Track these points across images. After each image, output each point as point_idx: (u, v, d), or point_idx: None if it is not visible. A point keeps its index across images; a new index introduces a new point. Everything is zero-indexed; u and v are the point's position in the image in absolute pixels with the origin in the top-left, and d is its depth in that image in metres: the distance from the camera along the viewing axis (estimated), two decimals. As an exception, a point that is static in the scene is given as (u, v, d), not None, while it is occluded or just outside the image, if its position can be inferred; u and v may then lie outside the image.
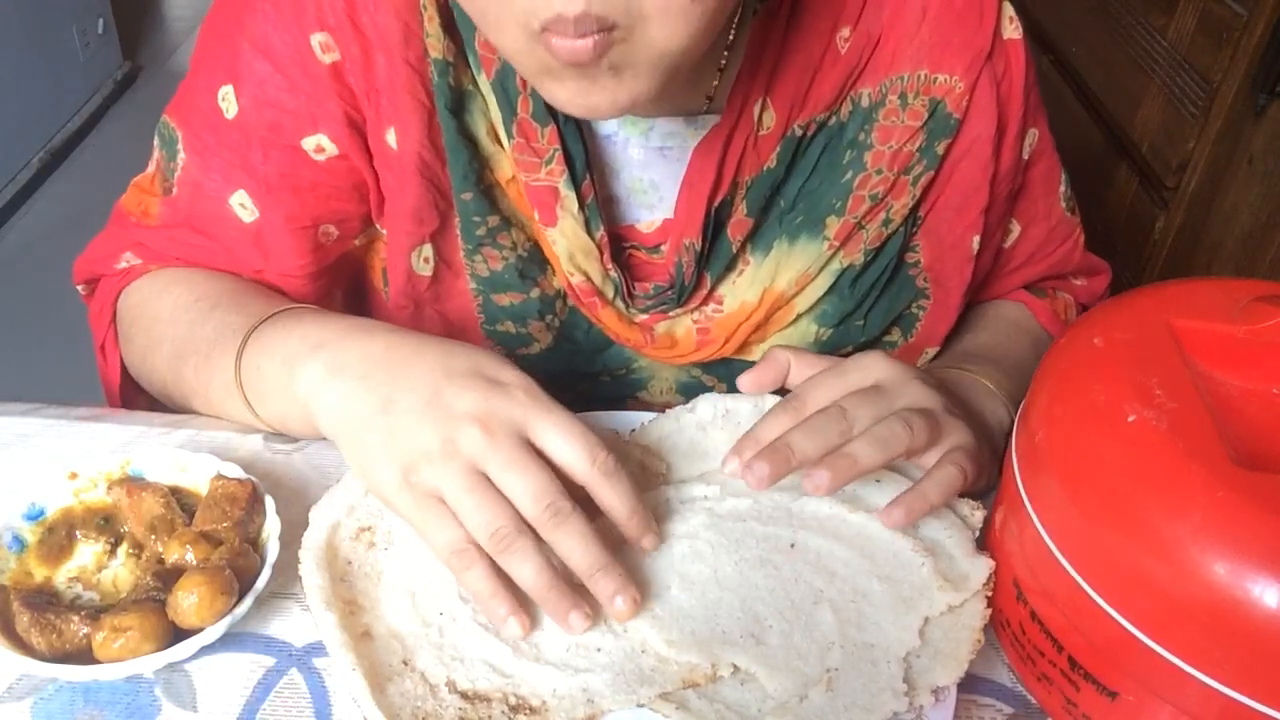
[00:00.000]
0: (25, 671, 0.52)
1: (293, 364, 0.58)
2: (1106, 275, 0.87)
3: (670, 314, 0.72)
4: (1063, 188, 0.81)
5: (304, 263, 0.70)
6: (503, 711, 0.49)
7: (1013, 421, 0.57)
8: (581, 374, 0.75)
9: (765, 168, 0.69)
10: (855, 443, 0.56)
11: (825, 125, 0.70)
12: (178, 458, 0.61)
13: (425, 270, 0.70)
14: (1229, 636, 0.43)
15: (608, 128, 0.70)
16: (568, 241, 0.68)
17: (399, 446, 0.52)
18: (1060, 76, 1.67)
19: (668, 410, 0.66)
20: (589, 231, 0.68)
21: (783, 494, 0.60)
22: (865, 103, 0.69)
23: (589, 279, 0.69)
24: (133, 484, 0.58)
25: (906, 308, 0.76)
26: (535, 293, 0.71)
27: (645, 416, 0.66)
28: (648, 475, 0.62)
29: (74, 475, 0.59)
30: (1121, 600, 0.47)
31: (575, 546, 0.51)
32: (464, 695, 0.50)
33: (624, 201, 0.72)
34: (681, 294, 0.71)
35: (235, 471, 0.59)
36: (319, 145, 0.67)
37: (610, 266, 0.69)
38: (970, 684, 0.53)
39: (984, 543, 0.59)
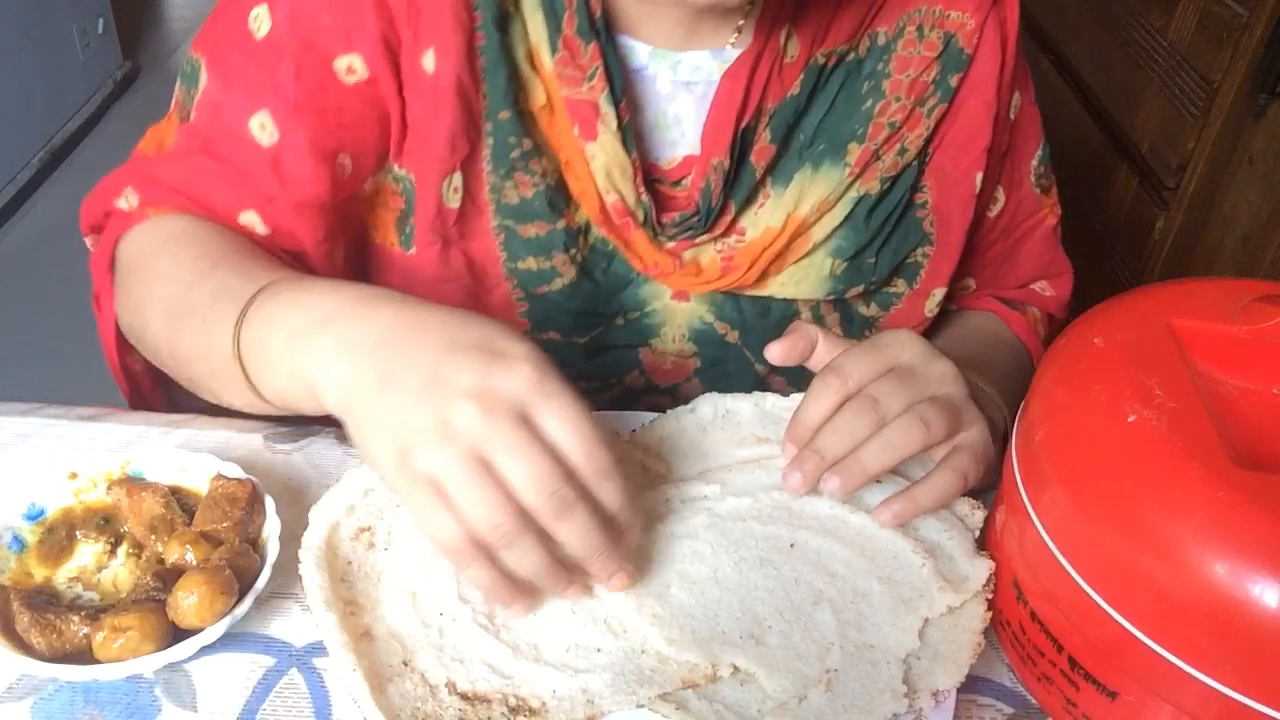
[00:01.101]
0: (25, 671, 0.52)
1: (297, 339, 0.55)
2: (1069, 279, 0.89)
3: (696, 241, 0.73)
4: (1034, 161, 0.83)
5: (320, 190, 0.69)
6: (502, 713, 0.49)
7: (1008, 426, 0.57)
8: (599, 314, 0.76)
9: (789, 95, 0.71)
10: (867, 447, 0.57)
11: (844, 60, 0.72)
12: (178, 458, 0.61)
13: (454, 201, 0.70)
14: (1229, 636, 0.43)
15: (639, 60, 0.71)
16: (606, 157, 0.69)
17: (396, 427, 0.50)
18: (1060, 76, 1.67)
19: (668, 411, 0.66)
20: (625, 150, 0.69)
21: (783, 494, 0.60)
22: (881, 40, 0.73)
23: (623, 200, 0.70)
24: (133, 484, 0.58)
25: (910, 254, 0.78)
26: (561, 224, 0.71)
27: (646, 417, 0.66)
28: (648, 475, 0.62)
29: (74, 475, 0.59)
30: (1121, 600, 0.47)
31: (578, 537, 0.51)
32: (464, 696, 0.50)
33: (647, 138, 0.73)
34: (708, 218, 0.72)
35: (235, 471, 0.59)
36: (350, 66, 0.66)
37: (642, 190, 0.71)
38: (970, 684, 0.53)
39: (984, 543, 0.59)
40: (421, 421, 0.50)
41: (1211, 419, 0.47)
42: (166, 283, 0.66)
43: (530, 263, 0.72)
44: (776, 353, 0.63)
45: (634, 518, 0.54)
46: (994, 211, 0.83)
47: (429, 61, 0.66)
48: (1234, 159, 1.24)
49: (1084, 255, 0.94)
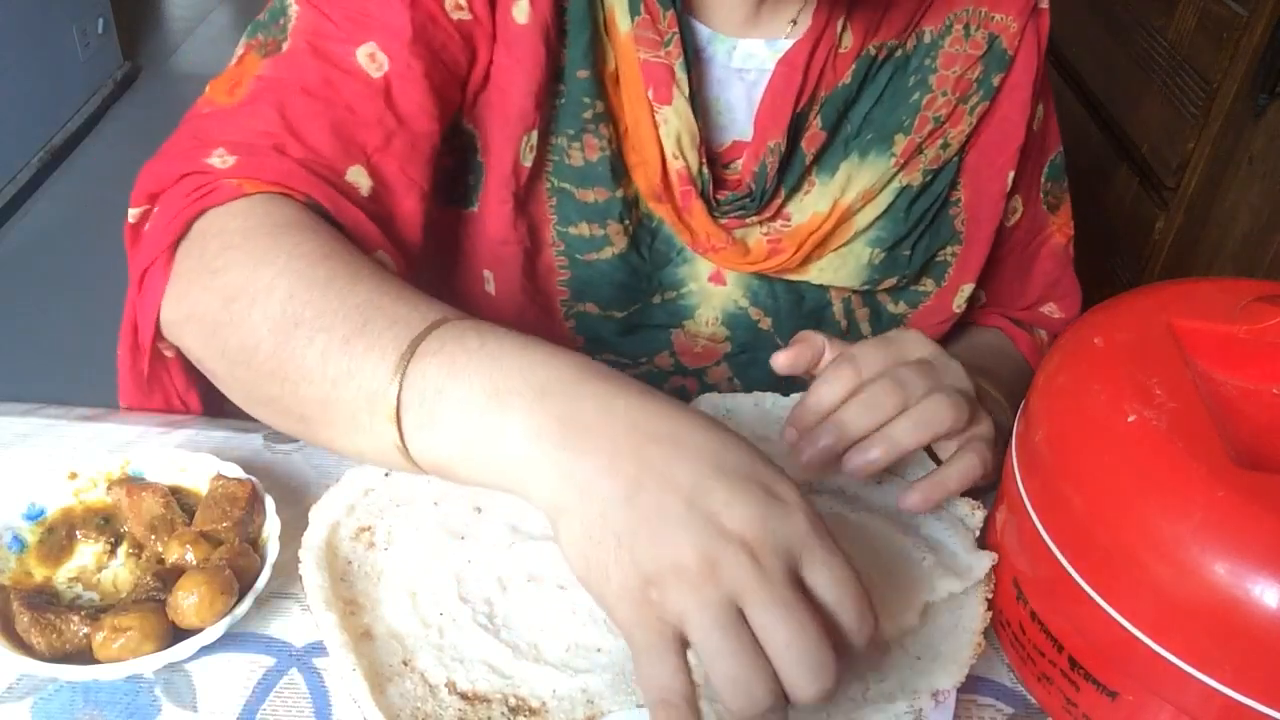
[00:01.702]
0: (25, 671, 0.52)
1: (505, 404, 0.45)
2: (1077, 301, 0.89)
3: (745, 221, 0.74)
4: (1042, 176, 0.84)
5: (434, 128, 0.65)
6: (502, 713, 0.49)
7: (1010, 428, 0.57)
8: (639, 290, 0.76)
9: (841, 84, 0.73)
10: (897, 423, 0.55)
11: (893, 55, 0.74)
12: (178, 458, 0.61)
13: (528, 160, 0.70)
14: (1229, 636, 0.43)
15: (699, 41, 0.73)
16: (679, 121, 0.70)
17: (645, 552, 0.42)
18: (1060, 76, 1.67)
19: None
20: (695, 118, 0.70)
21: None
22: (928, 38, 0.74)
23: (689, 168, 0.71)
24: (133, 484, 0.58)
25: (939, 252, 0.79)
26: (620, 193, 0.72)
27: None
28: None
29: (74, 475, 0.59)
30: (1121, 600, 0.47)
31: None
32: (464, 696, 0.50)
33: (699, 119, 0.74)
34: (760, 198, 0.73)
35: (235, 471, 0.59)
36: (459, 2, 0.65)
37: (704, 161, 0.71)
38: (970, 684, 0.53)
39: (984, 543, 0.59)
40: (682, 554, 0.41)
41: (1211, 419, 0.47)
42: (287, 277, 0.53)
43: (583, 228, 0.72)
44: (783, 361, 0.61)
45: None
46: (1011, 221, 0.83)
47: (520, 12, 0.66)
48: (1234, 159, 1.24)
49: (1084, 255, 0.94)
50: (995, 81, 0.75)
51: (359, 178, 0.63)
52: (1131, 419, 0.48)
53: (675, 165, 0.71)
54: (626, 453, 0.43)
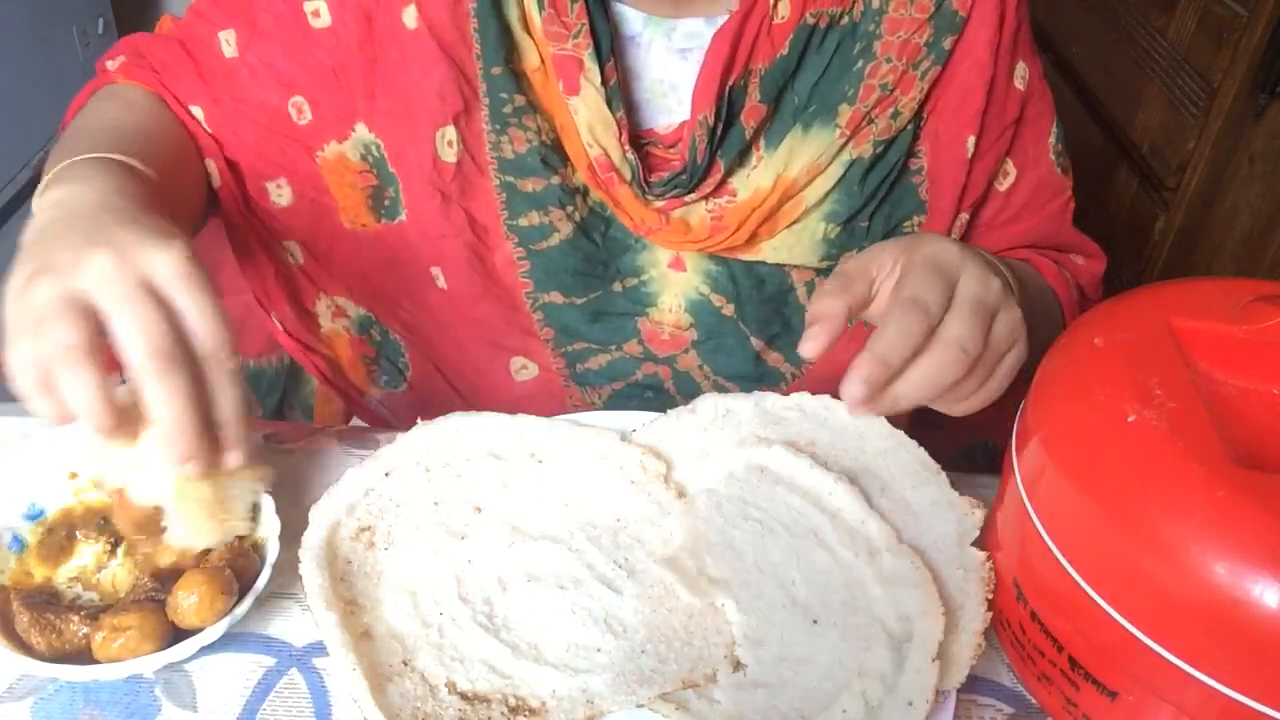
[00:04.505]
0: (25, 671, 0.52)
1: (33, 240, 0.56)
2: (1102, 260, 0.87)
3: (685, 200, 0.74)
4: (1051, 139, 0.82)
5: (263, 110, 0.74)
6: (502, 713, 0.49)
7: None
8: (597, 277, 0.77)
9: (779, 55, 0.72)
10: (901, 381, 0.53)
11: (838, 23, 0.72)
12: (178, 458, 0.61)
13: (450, 156, 0.72)
14: (1229, 636, 0.43)
15: (633, 28, 0.73)
16: (589, 111, 0.70)
17: (30, 263, 0.50)
18: (1060, 76, 1.67)
19: (668, 411, 0.66)
20: (609, 108, 0.71)
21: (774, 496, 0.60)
22: (875, 3, 0.72)
23: (607, 155, 0.72)
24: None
25: (904, 223, 0.77)
26: (556, 180, 0.73)
27: (647, 417, 0.66)
28: (648, 475, 0.62)
29: (74, 475, 0.59)
30: (1121, 600, 0.47)
31: (169, 399, 0.48)
32: (464, 696, 0.50)
33: (645, 106, 0.75)
34: (694, 175, 0.72)
35: (235, 471, 0.59)
36: (316, 10, 0.72)
37: (627, 148, 0.71)
38: (970, 684, 0.53)
39: (984, 543, 0.59)
40: (59, 258, 0.49)
41: (1211, 419, 0.47)
42: (62, 144, 0.67)
43: (533, 217, 0.74)
44: (811, 350, 0.55)
45: (239, 428, 0.51)
46: (1004, 185, 0.81)
47: (410, 17, 0.69)
48: (1234, 159, 1.24)
49: (1084, 255, 0.94)
50: (946, 45, 0.73)
51: (200, 115, 0.75)
52: (1131, 419, 0.48)
53: (593, 154, 0.71)
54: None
